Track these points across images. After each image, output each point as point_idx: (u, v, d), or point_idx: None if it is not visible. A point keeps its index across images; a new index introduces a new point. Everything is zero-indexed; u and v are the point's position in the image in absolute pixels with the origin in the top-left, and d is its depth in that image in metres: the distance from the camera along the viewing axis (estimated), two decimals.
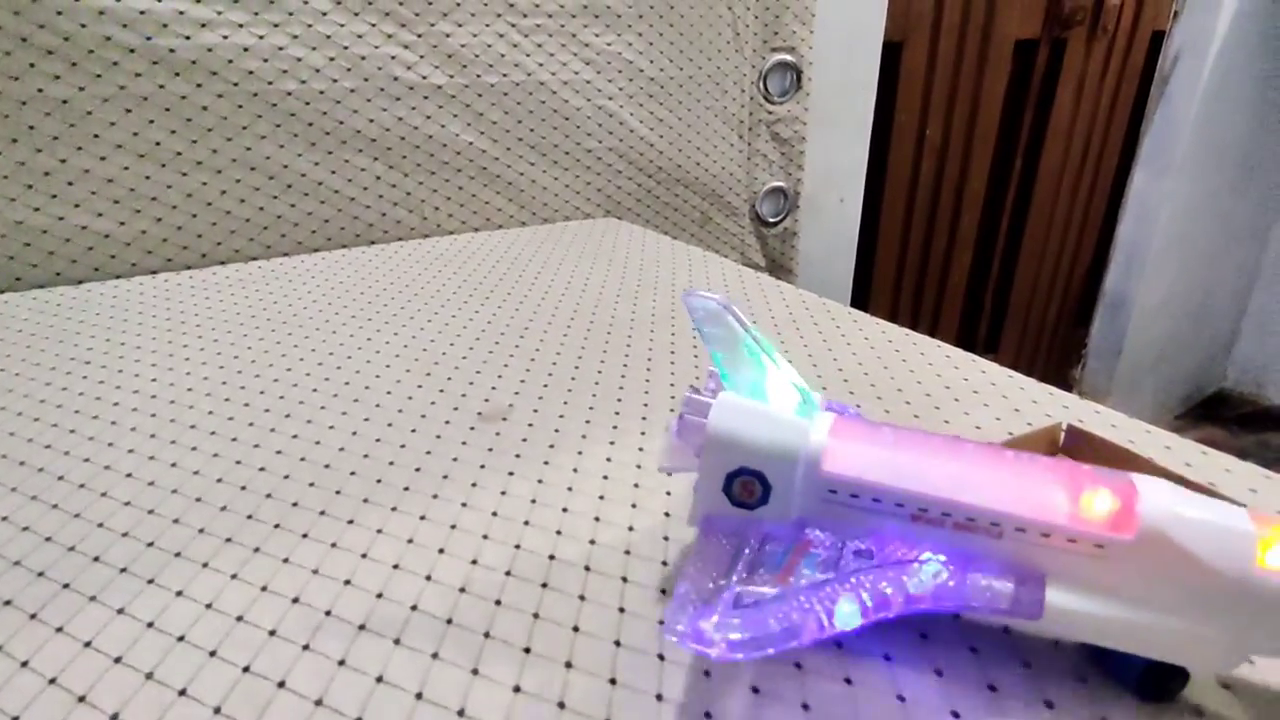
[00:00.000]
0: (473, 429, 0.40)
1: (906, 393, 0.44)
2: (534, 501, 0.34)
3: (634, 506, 0.33)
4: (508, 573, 0.29)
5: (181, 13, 0.61)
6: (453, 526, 0.32)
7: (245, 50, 0.64)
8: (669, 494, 0.34)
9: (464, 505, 0.33)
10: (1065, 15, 1.38)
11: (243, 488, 0.34)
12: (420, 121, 0.73)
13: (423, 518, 0.32)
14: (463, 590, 0.28)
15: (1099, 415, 0.42)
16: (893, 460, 0.24)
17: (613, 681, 0.24)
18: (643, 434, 0.40)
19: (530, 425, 0.40)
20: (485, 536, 0.31)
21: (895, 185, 1.28)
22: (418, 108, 0.73)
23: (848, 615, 0.21)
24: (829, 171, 1.06)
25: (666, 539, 0.31)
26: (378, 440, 0.39)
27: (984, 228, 1.45)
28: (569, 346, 0.50)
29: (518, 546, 0.31)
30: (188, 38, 0.61)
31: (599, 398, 0.44)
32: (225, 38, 0.63)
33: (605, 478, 0.36)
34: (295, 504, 0.33)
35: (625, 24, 0.82)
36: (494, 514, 0.33)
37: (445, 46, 0.73)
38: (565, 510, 0.33)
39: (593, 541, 0.31)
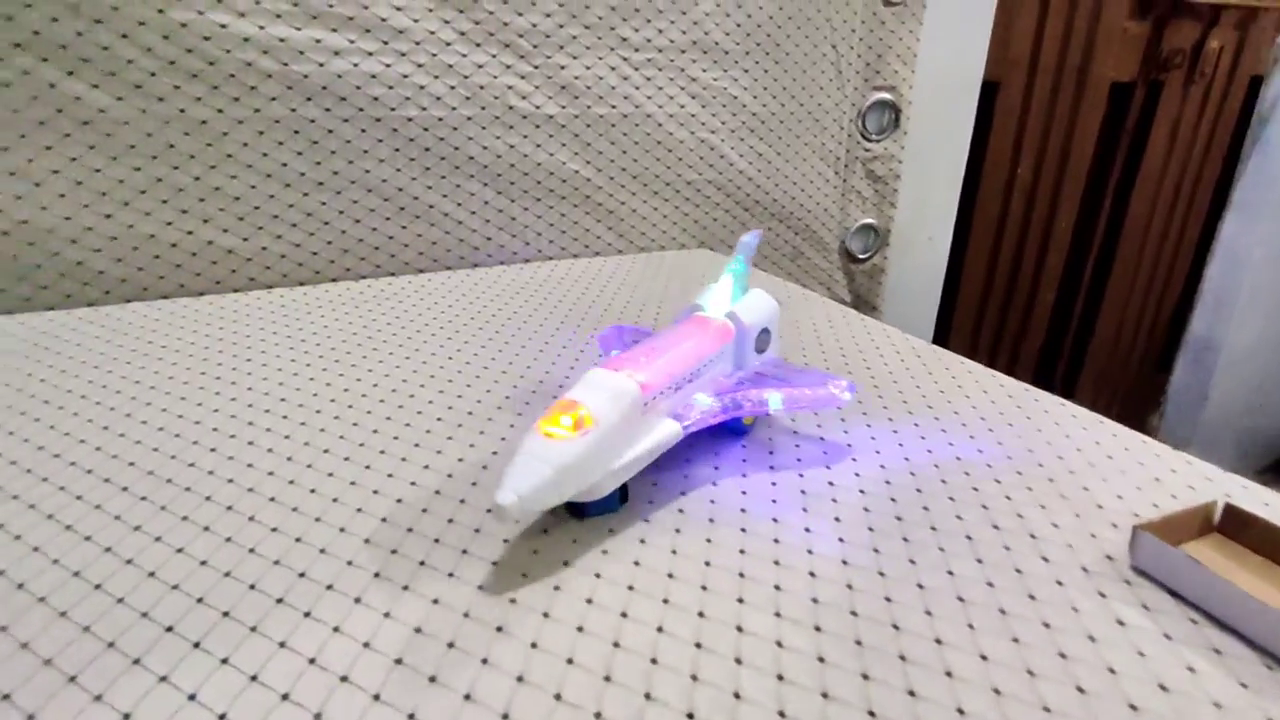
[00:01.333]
0: None
1: (1038, 454, 0.43)
2: (708, 564, 0.33)
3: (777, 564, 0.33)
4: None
5: (318, 40, 0.63)
6: (630, 588, 0.31)
7: (373, 77, 0.66)
8: (809, 530, 0.33)
9: (637, 564, 0.33)
10: (1163, 58, 1.34)
11: (383, 519, 0.35)
12: (530, 149, 0.74)
13: (598, 575, 0.32)
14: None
15: (1190, 466, 0.42)
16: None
17: None
18: (773, 484, 0.39)
19: (658, 466, 0.40)
20: (665, 601, 0.30)
21: (983, 223, 1.26)
22: (529, 136, 0.74)
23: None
24: (921, 210, 1.05)
25: (813, 574, 0.30)
26: (473, 484, 0.38)
27: (1069, 268, 1.41)
28: None
29: (701, 614, 0.30)
30: (321, 64, 0.63)
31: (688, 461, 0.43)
32: (355, 65, 0.65)
33: (743, 530, 0.35)
34: (437, 540, 0.33)
35: (732, 60, 0.83)
36: (669, 575, 0.32)
37: (560, 78, 0.74)
38: (742, 575, 0.32)
39: (778, 614, 0.30)
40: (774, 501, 0.37)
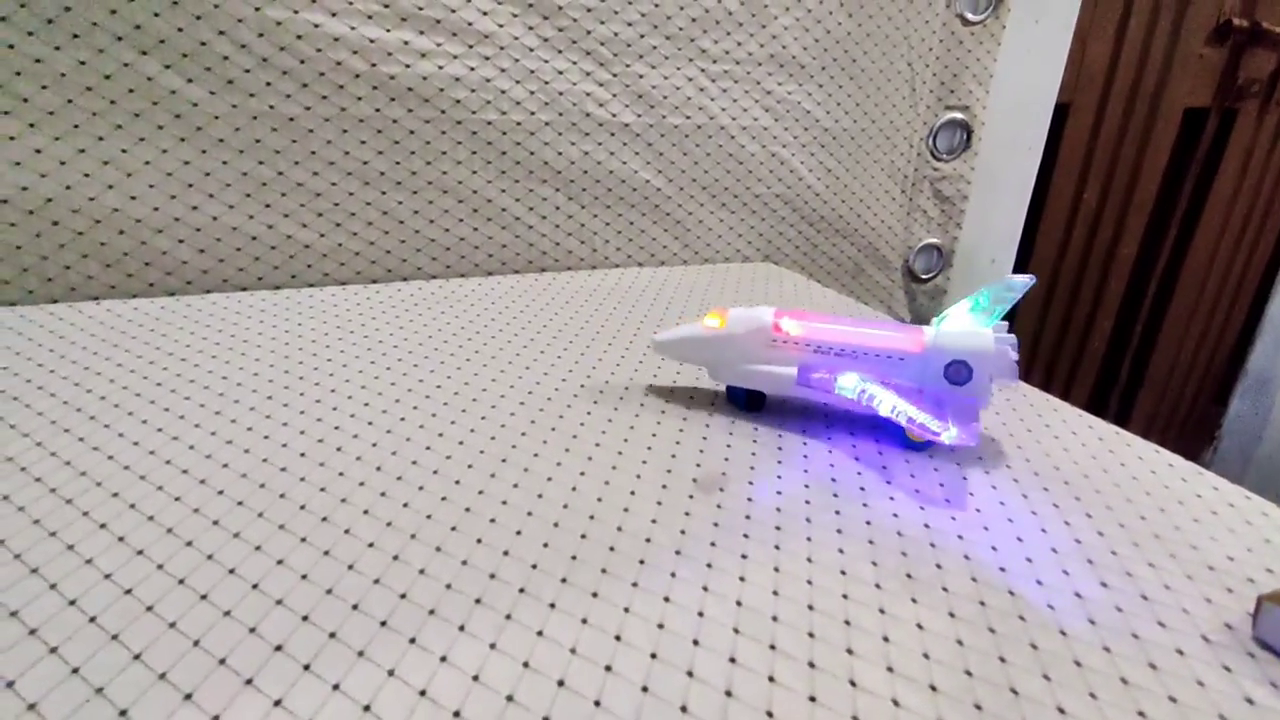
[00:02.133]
0: (691, 497, 0.39)
1: (1137, 505, 0.41)
2: (776, 593, 0.33)
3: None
4: (770, 678, 0.28)
5: (406, 42, 0.63)
6: (700, 614, 0.31)
7: (456, 80, 0.66)
8: (910, 576, 0.33)
9: (705, 589, 0.32)
10: (1240, 85, 1.30)
11: (479, 540, 0.35)
12: (604, 157, 0.74)
13: (666, 599, 0.32)
14: (729, 694, 0.27)
15: (1249, 502, 0.41)
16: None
17: None
18: (865, 504, 0.38)
19: (750, 500, 0.40)
20: (737, 630, 0.30)
21: (1045, 245, 1.23)
22: (603, 144, 0.74)
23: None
24: (985, 231, 1.03)
25: (920, 626, 0.30)
26: (600, 500, 0.38)
27: (1129, 295, 1.38)
28: (769, 402, 0.49)
29: (773, 648, 0.30)
30: (408, 66, 0.63)
31: (811, 472, 0.42)
32: (440, 68, 0.65)
33: (842, 565, 0.34)
34: (534, 565, 0.33)
35: (808, 75, 0.82)
36: (738, 603, 0.32)
37: (637, 87, 0.73)
38: (812, 608, 0.32)
39: (890, 668, 0.30)
40: (870, 543, 0.36)
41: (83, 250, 0.59)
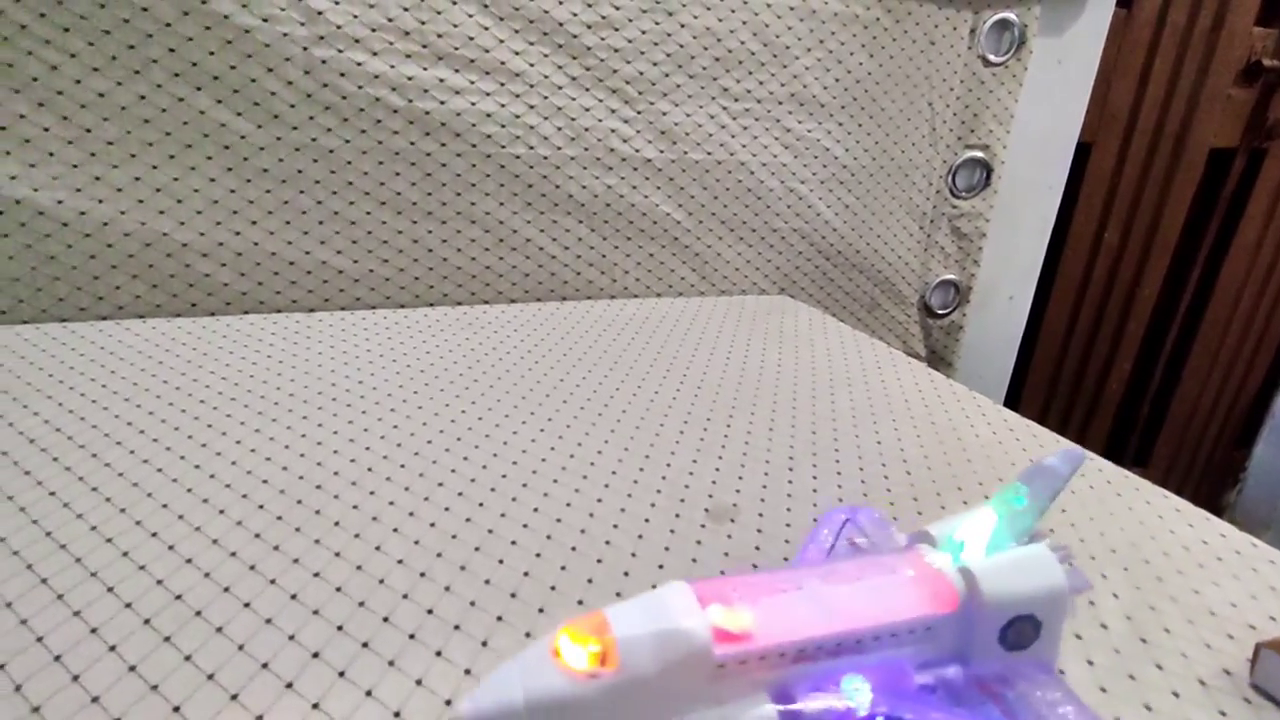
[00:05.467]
0: (704, 527, 0.41)
1: (1142, 549, 0.42)
2: None
3: None
4: None
5: (441, 80, 0.66)
6: None
7: (488, 116, 0.69)
8: None
9: None
10: (1269, 126, 1.31)
11: (500, 561, 0.36)
12: (626, 191, 0.77)
13: None
14: None
15: (1256, 550, 0.41)
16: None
17: None
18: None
19: (759, 530, 0.41)
20: None
21: (1065, 284, 1.24)
22: (626, 178, 0.76)
23: None
24: (1003, 269, 1.04)
25: None
26: (615, 526, 0.40)
27: (1150, 337, 1.38)
28: (777, 441, 0.51)
29: None
30: (442, 102, 0.67)
31: (820, 506, 0.44)
32: (473, 104, 0.68)
33: None
34: (552, 587, 0.35)
35: (828, 113, 0.84)
36: None
37: (660, 124, 0.76)
38: None
39: None
40: None
41: (133, 271, 0.62)
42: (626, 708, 0.22)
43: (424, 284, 0.72)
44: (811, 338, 0.73)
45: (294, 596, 0.32)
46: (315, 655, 0.29)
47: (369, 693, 0.28)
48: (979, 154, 0.96)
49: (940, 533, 0.28)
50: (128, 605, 0.31)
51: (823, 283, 0.91)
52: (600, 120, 0.73)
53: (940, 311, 1.01)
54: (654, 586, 0.35)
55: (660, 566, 0.37)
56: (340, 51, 0.62)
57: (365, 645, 0.30)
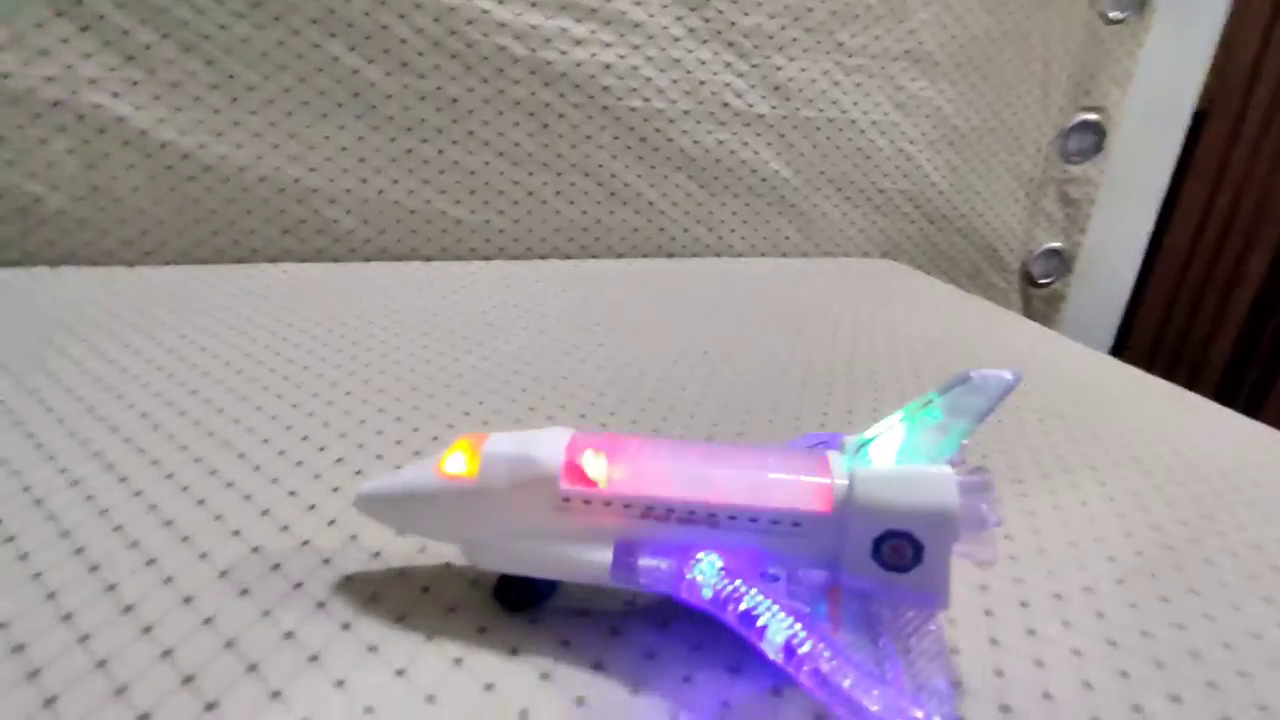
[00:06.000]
0: None
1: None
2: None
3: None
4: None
5: (564, 29, 0.66)
6: None
7: (607, 67, 0.68)
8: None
9: None
10: None
11: None
12: (737, 146, 0.76)
13: None
14: None
15: None
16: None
17: None
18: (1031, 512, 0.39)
19: None
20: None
21: (1169, 256, 1.19)
22: (737, 133, 0.76)
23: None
24: (1110, 238, 1.00)
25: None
26: None
27: (1253, 315, 1.32)
28: (906, 390, 0.50)
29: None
30: (564, 52, 0.67)
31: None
32: (593, 55, 0.68)
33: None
34: None
35: (941, 72, 0.81)
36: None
37: (774, 79, 0.75)
38: (1033, 633, 0.33)
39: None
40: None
41: (266, 216, 0.64)
42: (480, 512, 0.25)
43: (536, 236, 0.72)
44: (929, 302, 0.72)
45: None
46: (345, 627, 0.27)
47: (399, 672, 0.26)
48: (1093, 117, 0.92)
49: (853, 441, 0.27)
50: (255, 549, 0.30)
51: (925, 247, 0.89)
52: (715, 74, 0.73)
53: (1042, 281, 0.98)
54: None
55: None
56: None
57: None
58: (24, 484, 0.33)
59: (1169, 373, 1.31)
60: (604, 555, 0.25)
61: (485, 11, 0.63)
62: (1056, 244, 0.97)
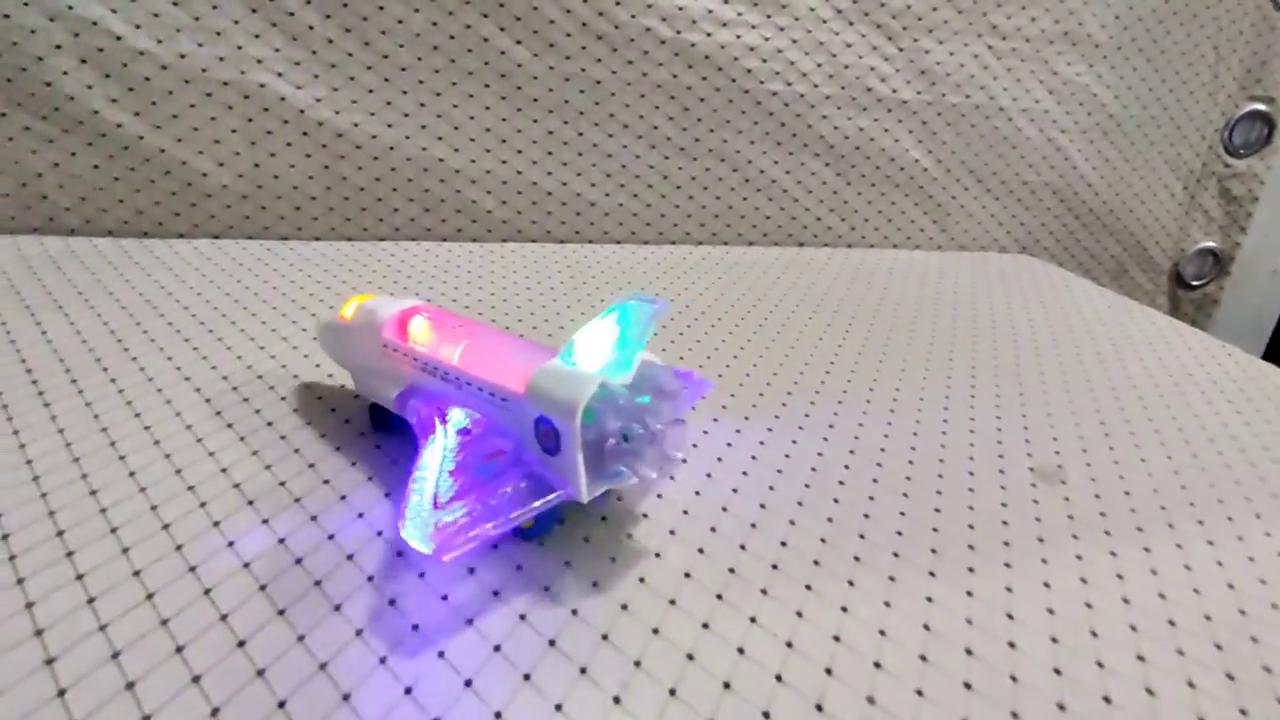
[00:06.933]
0: (1034, 486, 0.39)
1: None
2: (1164, 597, 0.32)
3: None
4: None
5: (710, 10, 0.65)
6: (1050, 610, 0.30)
7: (751, 50, 0.67)
8: None
9: (1047, 586, 0.31)
10: None
11: (838, 519, 0.36)
12: (877, 134, 0.73)
13: (1009, 589, 0.31)
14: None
15: None
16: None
17: None
18: (1240, 539, 0.36)
19: (1098, 496, 0.38)
20: (1095, 634, 0.30)
21: None
22: (879, 120, 0.72)
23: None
24: (1271, 238, 0.92)
25: None
26: (939, 493, 0.38)
27: None
28: (1080, 405, 0.47)
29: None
30: (709, 34, 0.65)
31: (1155, 475, 0.40)
32: (738, 37, 0.66)
33: (1220, 563, 0.33)
34: (867, 543, 0.34)
35: (1101, 55, 0.76)
36: (1125, 600, 0.31)
37: (921, 62, 0.71)
38: (1213, 616, 0.30)
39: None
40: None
41: (410, 195, 0.65)
42: (350, 346, 0.35)
43: (668, 221, 0.71)
44: (1075, 300, 0.68)
45: (520, 568, 0.33)
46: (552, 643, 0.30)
47: (558, 708, 0.28)
48: (1262, 107, 0.84)
49: (575, 335, 0.29)
50: (379, 534, 0.31)
51: (1068, 243, 0.84)
52: (860, 57, 0.70)
53: (1194, 282, 0.91)
54: (1006, 561, 0.33)
55: (1004, 523, 0.35)
56: None
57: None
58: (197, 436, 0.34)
59: None
60: (395, 391, 0.33)
61: None
62: (1212, 243, 0.90)
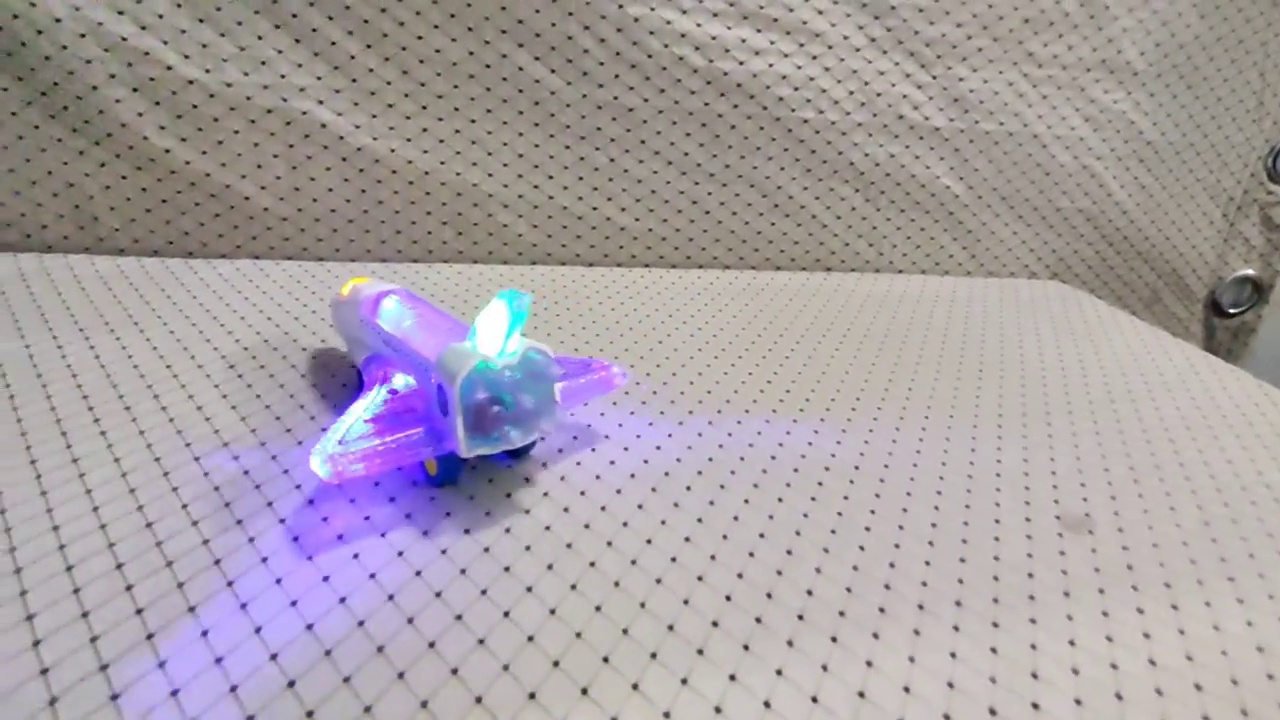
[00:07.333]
0: (1061, 536, 0.39)
1: None
2: (1191, 659, 0.31)
3: None
4: None
5: (743, 40, 0.65)
6: (1075, 671, 0.30)
7: (783, 78, 0.67)
8: None
9: (1072, 644, 0.31)
10: None
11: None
12: (908, 160, 0.73)
13: (1033, 646, 0.31)
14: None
15: None
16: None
17: None
18: (1271, 597, 0.36)
19: (1125, 548, 0.38)
20: (1120, 697, 0.30)
21: None
22: (910, 147, 0.72)
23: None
24: None
25: None
26: (964, 542, 0.38)
27: None
28: (1109, 447, 0.47)
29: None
30: (741, 63, 0.66)
31: (1184, 526, 0.40)
32: (770, 65, 0.66)
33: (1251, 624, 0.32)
34: (921, 607, 0.34)
35: (1139, 82, 0.75)
36: (1151, 661, 0.31)
37: (955, 90, 0.71)
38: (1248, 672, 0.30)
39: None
40: None
41: (443, 219, 0.66)
42: (343, 318, 0.42)
43: (697, 245, 0.72)
44: (1106, 332, 0.67)
45: (552, 612, 0.33)
46: (606, 659, 0.30)
47: None
48: None
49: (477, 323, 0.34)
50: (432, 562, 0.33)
51: (1100, 270, 0.83)
52: (893, 85, 0.70)
53: (1231, 311, 0.90)
54: (1031, 617, 0.33)
55: (1029, 575, 0.35)
56: (652, 10, 0.63)
57: (625, 631, 0.31)
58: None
59: None
60: (358, 359, 0.40)
61: (668, 22, 0.63)
62: (1251, 271, 0.88)
